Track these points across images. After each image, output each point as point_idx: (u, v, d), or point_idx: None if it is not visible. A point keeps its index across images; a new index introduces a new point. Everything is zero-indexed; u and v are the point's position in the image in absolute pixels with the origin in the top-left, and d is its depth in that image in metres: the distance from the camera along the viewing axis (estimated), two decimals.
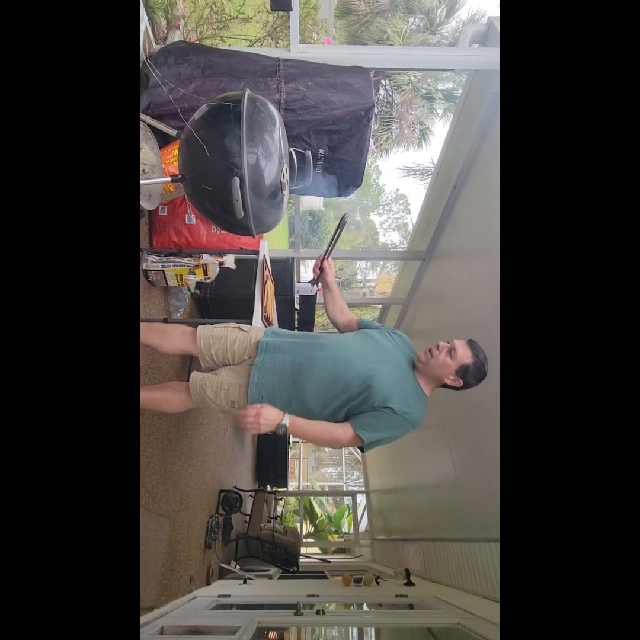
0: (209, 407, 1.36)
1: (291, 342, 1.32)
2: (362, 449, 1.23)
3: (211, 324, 1.44)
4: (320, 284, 1.54)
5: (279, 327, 1.84)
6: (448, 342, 1.23)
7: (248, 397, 1.27)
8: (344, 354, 1.23)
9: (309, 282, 1.56)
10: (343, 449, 9.60)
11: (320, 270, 1.51)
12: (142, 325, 1.43)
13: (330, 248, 1.50)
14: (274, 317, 1.90)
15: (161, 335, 1.43)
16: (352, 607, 2.14)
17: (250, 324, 1.52)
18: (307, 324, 3.02)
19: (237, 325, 1.42)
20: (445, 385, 1.25)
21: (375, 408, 1.18)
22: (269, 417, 1.12)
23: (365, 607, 2.13)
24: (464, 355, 1.20)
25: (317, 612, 1.58)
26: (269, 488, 5.41)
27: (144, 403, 1.37)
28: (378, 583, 2.54)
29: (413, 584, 2.40)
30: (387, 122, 8.19)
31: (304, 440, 1.26)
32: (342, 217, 1.42)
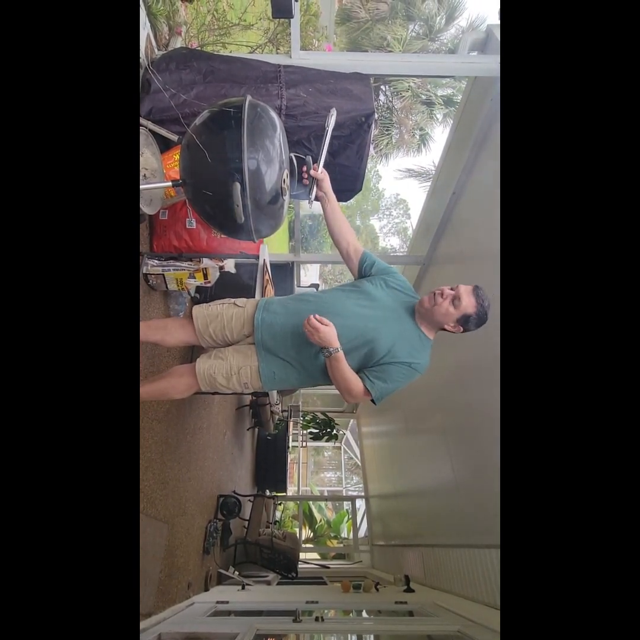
0: (217, 390, 1.36)
1: (283, 313, 1.30)
2: (373, 402, 1.24)
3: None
4: (314, 196, 1.27)
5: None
6: (453, 289, 1.21)
7: (260, 376, 1.29)
8: (341, 319, 1.21)
9: (301, 194, 1.29)
10: (342, 453, 9.57)
11: (310, 179, 1.24)
12: (142, 323, 1.43)
13: (322, 151, 1.24)
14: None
15: (162, 331, 1.43)
16: (351, 614, 2.12)
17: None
18: None
19: (232, 301, 1.41)
20: (444, 330, 1.25)
21: (382, 363, 1.21)
22: (326, 338, 1.13)
23: (364, 614, 2.12)
24: (468, 304, 1.19)
25: (316, 618, 1.57)
26: (268, 493, 5.38)
27: (150, 395, 1.37)
28: (377, 589, 2.53)
29: (413, 591, 2.38)
30: (387, 127, 8.24)
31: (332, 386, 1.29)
32: (330, 113, 1.22)
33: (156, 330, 1.43)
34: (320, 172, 1.25)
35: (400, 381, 1.22)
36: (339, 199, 2.03)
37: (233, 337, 1.36)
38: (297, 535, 5.73)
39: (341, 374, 1.18)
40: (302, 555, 4.78)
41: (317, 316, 1.13)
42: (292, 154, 1.22)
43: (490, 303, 1.21)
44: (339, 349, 1.15)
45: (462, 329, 1.23)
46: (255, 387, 1.32)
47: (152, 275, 1.82)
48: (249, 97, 1.14)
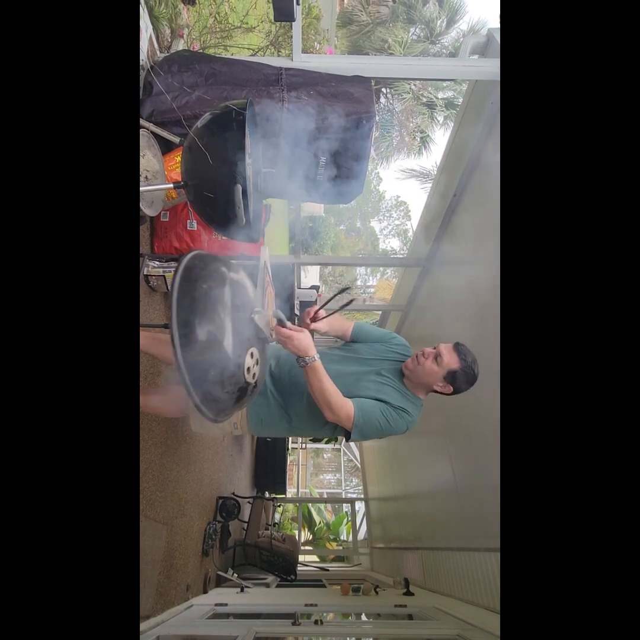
0: (206, 430, 1.36)
1: (275, 357, 1.32)
2: (347, 437, 1.19)
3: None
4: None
5: None
6: (434, 348, 1.20)
7: (248, 420, 1.29)
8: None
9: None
10: (342, 455, 9.56)
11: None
12: (146, 334, 1.43)
13: (322, 306, 1.27)
14: (274, 323, 1.90)
15: (165, 346, 1.43)
16: (350, 617, 2.12)
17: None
18: None
19: None
20: (436, 391, 1.23)
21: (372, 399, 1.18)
22: (300, 345, 1.07)
23: (363, 617, 2.11)
24: (451, 360, 1.17)
25: (315, 622, 1.57)
26: (267, 495, 5.37)
27: (142, 407, 1.37)
28: (377, 592, 2.52)
29: (412, 594, 2.38)
30: (388, 129, 8.26)
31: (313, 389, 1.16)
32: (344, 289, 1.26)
33: (159, 343, 1.43)
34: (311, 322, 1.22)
35: (385, 420, 1.15)
36: (340, 201, 2.04)
37: None
38: (296, 537, 5.71)
39: (320, 385, 1.11)
40: (301, 558, 4.76)
41: (288, 324, 1.09)
42: (254, 315, 1.00)
43: (475, 360, 1.20)
44: (316, 358, 1.09)
45: (452, 389, 1.20)
46: (244, 430, 1.31)
47: (153, 277, 1.82)
48: (250, 100, 1.15)
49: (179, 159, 1.59)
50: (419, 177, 9.63)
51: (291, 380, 1.26)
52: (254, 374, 0.98)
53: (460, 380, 1.19)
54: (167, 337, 1.50)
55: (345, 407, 1.13)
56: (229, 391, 0.91)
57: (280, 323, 1.08)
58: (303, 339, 1.08)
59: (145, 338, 1.42)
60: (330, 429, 1.27)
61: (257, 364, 0.99)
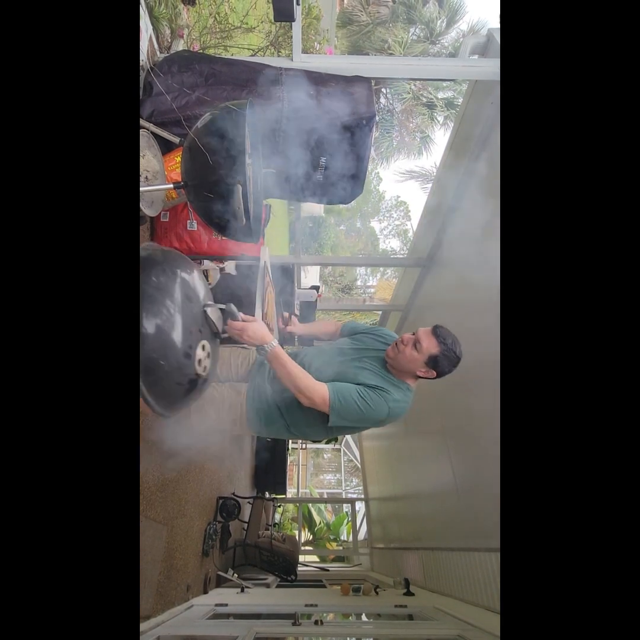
0: (206, 423, 1.35)
1: (265, 370, 1.34)
2: (333, 433, 1.20)
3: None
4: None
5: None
6: (413, 334, 1.19)
7: (248, 418, 1.29)
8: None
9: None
10: (342, 455, 9.55)
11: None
12: None
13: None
14: (274, 323, 1.90)
15: None
16: (350, 617, 2.11)
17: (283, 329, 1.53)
18: None
19: (240, 346, 1.44)
20: (420, 377, 1.22)
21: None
22: (256, 335, 1.07)
23: (364, 617, 2.11)
24: (430, 345, 1.16)
25: (316, 622, 1.57)
26: (267, 495, 5.37)
27: (142, 406, 1.37)
28: (377, 593, 2.52)
29: (412, 594, 2.37)
30: (388, 129, 8.26)
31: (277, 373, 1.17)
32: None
33: None
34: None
35: (363, 400, 1.13)
36: (340, 202, 2.04)
37: (237, 378, 1.39)
38: (297, 537, 5.71)
39: (286, 370, 1.10)
40: (301, 558, 4.76)
41: (241, 315, 1.08)
42: (206, 308, 0.99)
43: (456, 340, 1.19)
44: (275, 344, 1.09)
45: (435, 373, 1.20)
46: (242, 426, 1.31)
47: None
48: (250, 100, 1.15)
49: (179, 159, 1.59)
50: (419, 179, 9.64)
51: (275, 393, 1.27)
52: (205, 367, 0.98)
53: (443, 363, 1.17)
54: None
55: (318, 389, 1.12)
56: (178, 382, 0.91)
57: (232, 317, 1.07)
58: (257, 328, 1.07)
59: None
60: (325, 430, 1.26)
61: (208, 357, 0.98)
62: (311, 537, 8.15)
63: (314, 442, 7.48)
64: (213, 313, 1.00)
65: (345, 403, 1.13)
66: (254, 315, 1.65)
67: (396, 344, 1.20)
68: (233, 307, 1.07)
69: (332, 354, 1.30)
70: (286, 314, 1.48)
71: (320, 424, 1.25)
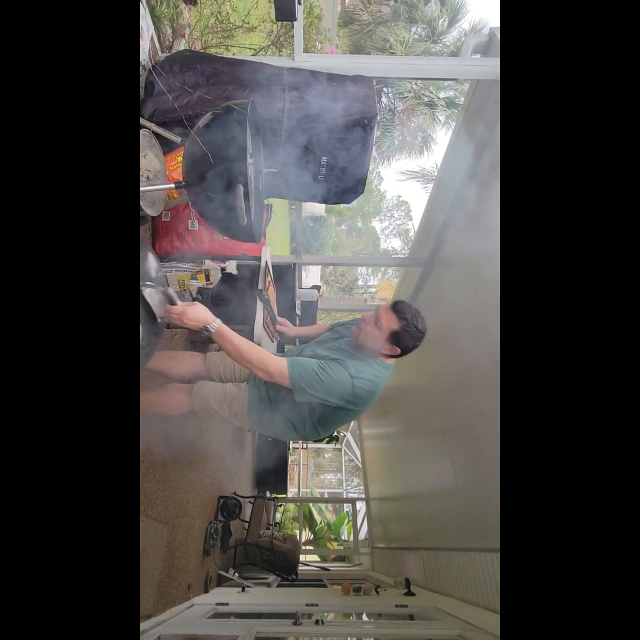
0: (209, 414, 1.37)
1: None
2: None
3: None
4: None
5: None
6: (375, 311, 1.19)
7: (248, 412, 1.31)
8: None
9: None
10: (342, 455, 9.55)
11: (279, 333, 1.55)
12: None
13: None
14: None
15: (171, 360, 1.45)
16: (351, 617, 2.12)
17: (253, 330, 1.54)
18: None
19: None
20: (389, 356, 1.21)
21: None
22: (196, 317, 1.06)
23: (364, 617, 2.11)
24: (389, 321, 1.15)
25: (316, 622, 1.57)
26: (268, 494, 5.38)
27: (143, 405, 1.38)
28: (378, 592, 2.52)
29: (413, 594, 2.37)
30: (389, 129, 8.25)
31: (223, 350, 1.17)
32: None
33: (165, 358, 1.45)
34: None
35: (322, 370, 1.12)
36: (342, 201, 2.04)
37: (240, 378, 1.41)
38: (297, 537, 5.71)
39: (233, 346, 1.09)
40: (302, 557, 4.77)
41: (179, 302, 1.07)
42: (143, 290, 0.93)
43: (417, 314, 1.17)
44: (217, 323, 1.08)
45: (399, 350, 1.18)
46: (243, 420, 1.33)
47: None
48: (252, 100, 1.15)
49: (180, 159, 1.59)
50: (420, 179, 9.62)
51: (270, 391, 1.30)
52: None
53: (405, 339, 1.16)
54: (173, 353, 1.52)
55: (274, 361, 1.11)
56: None
57: (171, 302, 1.05)
58: (197, 311, 1.06)
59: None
60: (313, 429, 1.29)
61: (142, 341, 0.94)
62: (312, 536, 8.16)
63: (315, 441, 7.48)
64: (152, 297, 0.95)
65: (305, 374, 1.11)
66: (255, 316, 1.66)
67: (358, 324, 1.21)
68: (171, 291, 1.05)
69: (310, 346, 1.34)
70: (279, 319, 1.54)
71: (309, 416, 1.27)
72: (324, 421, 1.28)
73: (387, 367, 1.23)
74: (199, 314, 1.06)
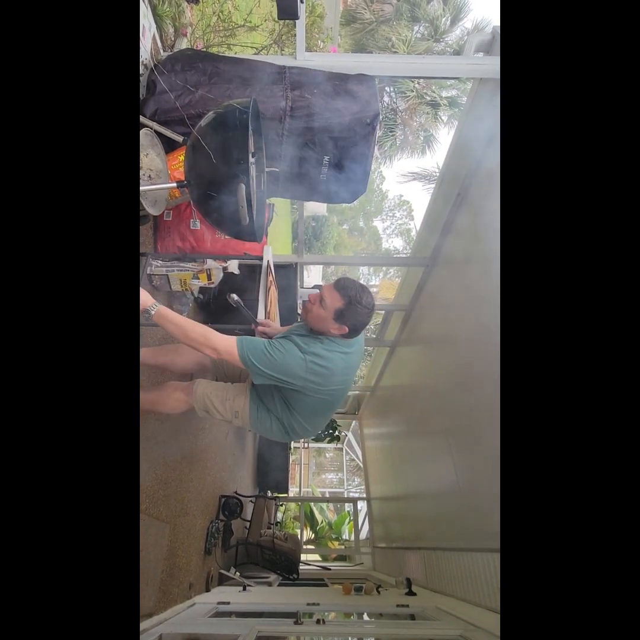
0: (209, 414, 1.36)
1: None
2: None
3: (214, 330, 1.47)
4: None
5: None
6: (319, 291, 1.17)
7: (249, 409, 1.31)
8: None
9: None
10: (344, 455, 9.55)
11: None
12: (151, 349, 1.45)
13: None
14: (277, 322, 1.90)
15: (173, 353, 1.44)
16: (352, 617, 2.11)
17: (254, 329, 1.54)
18: None
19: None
20: (341, 336, 1.18)
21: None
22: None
23: (365, 617, 2.11)
24: (333, 300, 1.13)
25: (317, 621, 1.57)
26: (269, 494, 5.38)
27: (140, 405, 1.38)
28: (379, 592, 2.51)
29: (414, 594, 2.37)
30: (391, 128, 8.23)
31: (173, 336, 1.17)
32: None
33: (167, 352, 1.45)
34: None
35: (272, 347, 1.11)
36: (344, 201, 2.04)
37: (243, 376, 1.42)
38: (299, 536, 5.72)
39: (176, 326, 1.09)
40: (303, 557, 4.77)
41: None
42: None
43: (361, 290, 1.14)
44: (157, 305, 1.09)
45: (347, 328, 1.15)
46: (244, 419, 1.32)
47: (156, 276, 1.82)
48: (254, 99, 1.14)
49: (182, 158, 1.59)
50: (421, 180, 9.59)
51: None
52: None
53: (351, 317, 1.14)
54: (175, 346, 1.52)
55: (222, 339, 1.10)
56: None
57: None
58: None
59: (150, 351, 1.43)
60: (300, 425, 1.29)
61: None
62: (313, 536, 8.16)
63: (316, 441, 7.48)
64: None
65: (254, 351, 1.10)
66: (256, 314, 1.66)
67: (304, 305, 1.19)
68: None
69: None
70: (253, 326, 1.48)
71: (288, 410, 1.26)
72: (303, 411, 1.25)
73: (344, 344, 1.20)
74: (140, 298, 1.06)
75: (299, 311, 2.94)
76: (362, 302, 1.14)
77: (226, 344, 1.10)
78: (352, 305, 1.12)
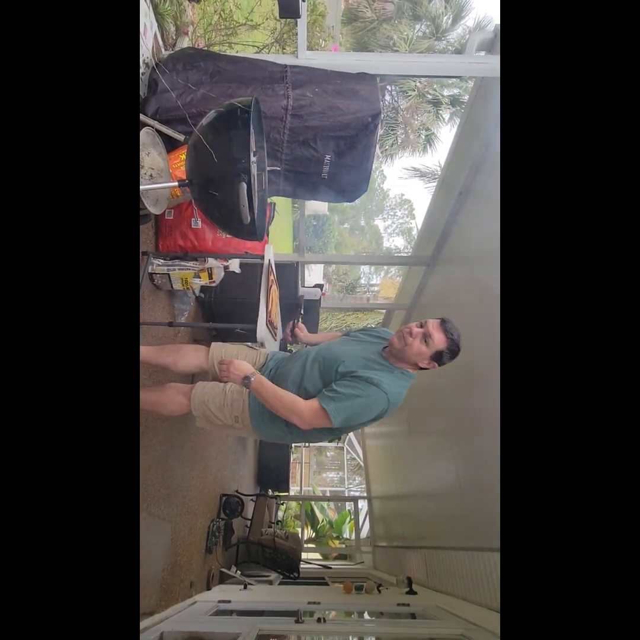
0: (208, 420, 1.35)
1: (273, 368, 1.39)
2: (336, 433, 1.22)
3: (216, 329, 1.48)
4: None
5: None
6: (420, 326, 1.17)
7: (250, 411, 1.29)
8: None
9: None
10: (344, 454, 9.56)
11: (293, 335, 1.56)
12: (154, 348, 1.45)
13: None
14: (278, 322, 1.90)
15: (175, 354, 1.45)
16: (353, 616, 2.12)
17: (255, 329, 1.53)
18: (311, 329, 3.01)
19: (248, 344, 1.51)
20: (422, 368, 1.21)
21: (338, 379, 1.18)
22: (240, 369, 1.16)
23: (366, 616, 2.11)
24: (439, 341, 1.15)
25: (318, 620, 1.57)
26: (270, 492, 5.39)
27: (141, 405, 1.38)
28: (379, 591, 2.52)
29: (415, 593, 2.37)
30: (393, 127, 8.22)
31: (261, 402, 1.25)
32: None
33: (169, 352, 1.45)
34: None
35: (357, 397, 1.12)
36: (345, 200, 2.03)
37: None
38: (299, 535, 5.73)
39: (272, 394, 1.15)
40: (304, 556, 4.78)
41: (222, 360, 1.20)
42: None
43: (459, 334, 1.19)
44: (255, 373, 1.16)
45: (437, 365, 1.19)
46: (245, 423, 1.31)
47: (157, 275, 1.82)
48: (255, 98, 1.14)
49: (183, 157, 1.58)
50: (423, 177, 9.57)
51: (275, 381, 1.27)
52: None
53: (446, 357, 1.18)
54: (176, 347, 1.53)
55: (308, 405, 1.14)
56: None
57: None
58: (238, 364, 1.17)
59: (152, 351, 1.43)
60: (326, 431, 1.26)
61: None
62: (314, 534, 8.17)
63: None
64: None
65: (351, 419, 1.14)
66: (257, 314, 1.66)
67: (403, 336, 1.18)
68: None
69: (329, 344, 1.36)
70: (290, 324, 1.55)
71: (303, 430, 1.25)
72: (337, 431, 1.26)
73: (413, 376, 1.24)
74: (240, 367, 1.17)
75: (300, 312, 2.93)
76: (459, 346, 1.18)
77: (314, 413, 1.13)
78: (452, 348, 1.17)
